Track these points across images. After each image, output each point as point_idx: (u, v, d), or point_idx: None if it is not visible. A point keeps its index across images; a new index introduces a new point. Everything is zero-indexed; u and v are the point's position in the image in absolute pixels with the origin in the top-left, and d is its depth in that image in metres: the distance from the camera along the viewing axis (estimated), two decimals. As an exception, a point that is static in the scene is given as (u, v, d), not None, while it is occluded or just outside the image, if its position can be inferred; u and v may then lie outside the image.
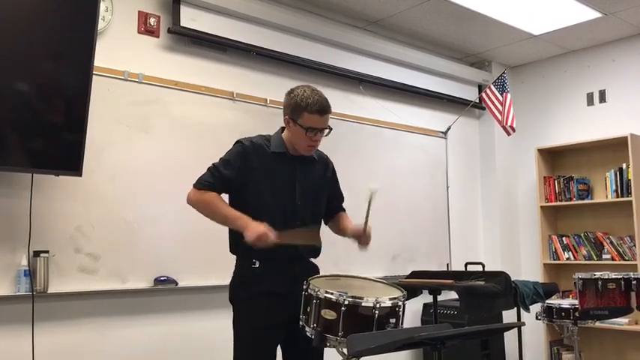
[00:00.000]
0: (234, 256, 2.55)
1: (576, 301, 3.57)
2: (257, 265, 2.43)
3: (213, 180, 2.45)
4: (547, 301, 3.69)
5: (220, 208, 2.43)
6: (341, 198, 2.80)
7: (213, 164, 2.50)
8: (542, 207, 5.23)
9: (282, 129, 2.60)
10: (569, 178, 5.15)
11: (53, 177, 3.01)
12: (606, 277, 3.40)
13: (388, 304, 2.11)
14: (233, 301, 2.51)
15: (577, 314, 3.56)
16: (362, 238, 2.58)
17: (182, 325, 3.53)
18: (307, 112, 2.43)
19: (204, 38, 3.72)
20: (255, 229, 2.31)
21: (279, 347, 2.52)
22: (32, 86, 2.78)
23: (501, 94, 4.82)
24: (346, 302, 2.08)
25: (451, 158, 5.29)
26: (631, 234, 4.74)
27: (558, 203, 5.19)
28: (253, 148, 2.51)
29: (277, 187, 2.49)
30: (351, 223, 2.70)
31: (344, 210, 2.81)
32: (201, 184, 2.45)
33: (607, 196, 4.92)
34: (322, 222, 2.69)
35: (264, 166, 2.49)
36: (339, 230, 2.73)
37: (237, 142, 2.56)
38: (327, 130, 2.51)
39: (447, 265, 5.11)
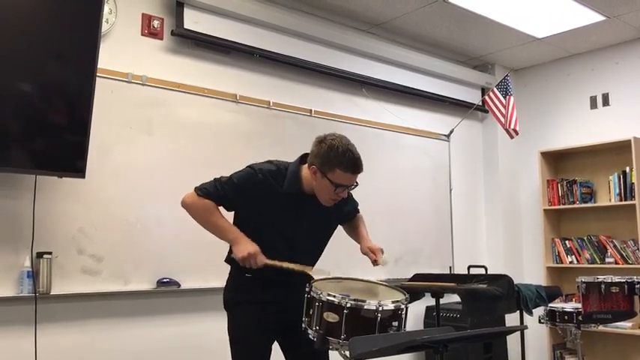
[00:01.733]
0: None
1: (579, 305, 3.55)
2: (250, 276, 2.40)
3: (215, 192, 2.36)
4: (550, 305, 3.68)
5: (215, 217, 2.36)
6: (355, 206, 2.75)
7: (220, 179, 2.40)
8: (545, 210, 5.22)
9: (301, 159, 2.46)
10: (572, 181, 5.14)
11: (56, 178, 3.02)
12: (609, 280, 3.39)
13: (391, 307, 2.10)
14: (226, 306, 2.51)
15: (580, 318, 3.54)
16: (374, 262, 2.55)
17: (185, 326, 3.53)
18: (340, 170, 2.30)
19: (208, 40, 3.73)
20: (245, 248, 2.28)
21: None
22: (36, 88, 2.79)
23: (504, 97, 4.82)
24: (349, 305, 2.07)
25: (454, 161, 5.29)
26: (634, 237, 4.73)
27: (561, 206, 5.18)
28: (265, 181, 2.37)
29: (280, 226, 2.41)
30: (366, 233, 2.66)
31: (358, 211, 2.77)
32: (201, 191, 2.37)
33: (610, 200, 4.91)
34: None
35: (270, 202, 2.39)
36: (354, 237, 2.71)
37: (251, 167, 2.42)
38: (353, 186, 2.40)
39: (450, 268, 5.10)
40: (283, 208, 2.40)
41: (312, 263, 2.55)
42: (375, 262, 2.53)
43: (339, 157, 2.30)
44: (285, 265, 2.34)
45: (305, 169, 2.42)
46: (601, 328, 4.25)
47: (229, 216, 2.49)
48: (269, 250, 2.33)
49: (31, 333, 2.96)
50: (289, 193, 2.40)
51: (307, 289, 2.22)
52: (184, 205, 2.41)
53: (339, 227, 2.73)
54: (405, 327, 2.18)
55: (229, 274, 2.54)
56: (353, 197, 2.73)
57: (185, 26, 3.61)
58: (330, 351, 2.20)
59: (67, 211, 3.13)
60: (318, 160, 2.33)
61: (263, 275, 2.35)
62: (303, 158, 2.46)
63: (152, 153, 3.46)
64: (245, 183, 2.38)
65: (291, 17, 4.11)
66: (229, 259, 2.50)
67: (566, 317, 3.63)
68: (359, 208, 2.78)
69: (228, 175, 2.42)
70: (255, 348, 2.43)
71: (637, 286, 3.35)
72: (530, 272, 5.42)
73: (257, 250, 2.29)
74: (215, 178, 2.42)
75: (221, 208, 2.43)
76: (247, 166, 2.45)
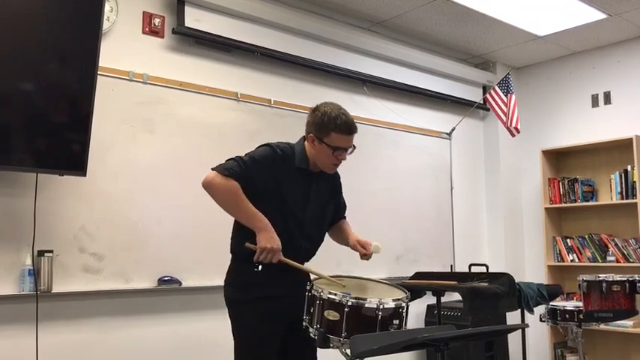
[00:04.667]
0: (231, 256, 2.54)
1: (580, 303, 3.55)
2: (259, 269, 2.39)
3: (239, 170, 2.35)
4: (551, 303, 3.68)
5: (243, 201, 2.34)
6: (344, 208, 2.79)
7: (241, 157, 2.40)
8: (546, 208, 5.22)
9: (304, 139, 2.53)
10: (573, 179, 5.13)
11: (57, 177, 3.02)
12: (611, 279, 3.39)
13: (391, 305, 2.10)
14: (232, 303, 2.47)
15: (581, 316, 3.54)
16: (363, 256, 2.58)
17: (186, 325, 3.53)
18: (335, 132, 2.38)
19: (209, 39, 3.73)
20: (271, 240, 2.29)
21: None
22: (37, 86, 2.79)
23: (506, 96, 4.82)
24: (349, 303, 2.07)
25: (455, 159, 5.28)
26: (636, 236, 4.73)
27: (563, 205, 5.18)
28: (283, 158, 2.44)
29: (291, 202, 2.44)
30: (351, 231, 2.69)
31: (345, 218, 2.80)
32: (227, 170, 2.33)
33: (612, 198, 4.90)
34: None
35: (286, 180, 2.43)
36: (340, 239, 2.72)
37: (268, 145, 2.47)
38: (351, 149, 2.47)
39: (451, 266, 5.10)
40: (296, 184, 2.46)
41: (313, 252, 2.57)
42: (364, 256, 2.55)
43: (332, 121, 2.39)
44: (300, 267, 2.37)
45: (308, 146, 2.49)
46: (602, 326, 4.26)
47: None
48: (279, 230, 2.35)
49: (33, 331, 2.96)
50: (300, 168, 2.47)
51: (308, 287, 2.22)
52: (208, 184, 2.34)
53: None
54: (406, 325, 2.18)
55: (232, 269, 2.51)
56: (344, 198, 2.77)
57: (186, 24, 3.61)
58: (331, 349, 2.19)
59: (69, 210, 3.14)
60: (313, 127, 2.44)
61: (271, 268, 2.36)
62: (304, 139, 2.53)
63: (153, 151, 3.46)
64: (267, 160, 2.43)
65: (293, 15, 4.11)
66: (236, 249, 2.48)
67: (567, 316, 3.63)
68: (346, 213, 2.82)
69: (247, 154, 2.43)
70: (263, 345, 2.41)
71: (638, 284, 3.34)
72: (532, 270, 5.42)
73: (279, 247, 2.30)
74: (233, 158, 2.40)
75: None
76: (264, 145, 2.49)
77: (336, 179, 2.68)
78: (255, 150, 2.47)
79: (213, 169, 2.36)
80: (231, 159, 2.40)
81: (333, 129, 2.39)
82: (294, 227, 2.42)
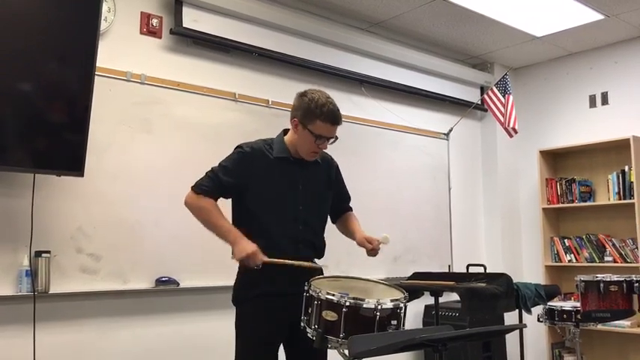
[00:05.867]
0: None
1: (578, 304, 3.56)
2: (259, 267, 2.42)
3: (211, 185, 2.43)
4: (549, 304, 3.68)
5: (214, 218, 2.40)
6: (347, 198, 2.79)
7: (212, 169, 2.47)
8: (544, 209, 5.22)
9: (284, 132, 2.57)
10: (571, 180, 5.14)
11: (55, 177, 3.01)
12: (608, 279, 3.39)
13: (390, 305, 2.10)
14: (235, 302, 2.51)
15: (579, 317, 3.54)
16: (370, 251, 2.59)
17: (183, 325, 3.53)
18: (320, 120, 2.39)
19: (207, 39, 3.72)
20: (244, 249, 2.31)
21: (281, 348, 2.52)
22: (35, 87, 2.78)
23: (503, 96, 4.82)
24: (347, 304, 2.07)
25: (453, 160, 5.29)
26: (633, 236, 4.73)
27: (560, 205, 5.18)
28: (253, 153, 2.47)
29: (279, 193, 2.46)
30: (359, 227, 2.69)
31: (351, 209, 2.80)
32: (199, 188, 2.43)
33: (609, 199, 4.91)
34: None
35: (265, 172, 2.46)
36: (347, 233, 2.73)
37: (238, 147, 2.52)
38: (333, 139, 2.48)
39: (449, 266, 5.10)
40: (280, 174, 2.48)
41: (318, 244, 2.56)
42: (372, 252, 2.56)
43: (319, 109, 2.39)
44: (286, 262, 2.36)
45: (288, 137, 2.52)
46: (600, 326, 4.26)
47: (228, 208, 2.51)
48: (276, 223, 2.37)
49: (30, 332, 2.96)
50: (280, 157, 2.49)
51: (306, 288, 2.22)
52: (186, 205, 2.46)
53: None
54: (404, 326, 2.18)
55: (239, 268, 2.53)
56: (347, 189, 2.79)
57: (184, 25, 3.60)
58: (329, 350, 2.19)
59: (66, 210, 3.13)
60: (299, 112, 2.44)
61: (270, 265, 2.36)
62: (286, 132, 2.56)
63: (151, 152, 3.46)
64: (237, 163, 2.46)
65: (290, 16, 4.11)
66: None
67: (565, 316, 3.63)
68: (352, 206, 2.82)
69: (220, 163, 2.48)
70: (262, 344, 2.41)
71: (635, 284, 3.35)
72: (529, 271, 5.43)
73: (255, 250, 2.31)
74: (208, 171, 2.48)
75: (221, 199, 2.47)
76: (235, 147, 2.53)
77: (331, 169, 2.68)
78: (227, 156, 2.50)
79: (191, 187, 2.45)
80: (207, 173, 2.47)
81: (318, 116, 2.39)
82: (290, 218, 2.42)
